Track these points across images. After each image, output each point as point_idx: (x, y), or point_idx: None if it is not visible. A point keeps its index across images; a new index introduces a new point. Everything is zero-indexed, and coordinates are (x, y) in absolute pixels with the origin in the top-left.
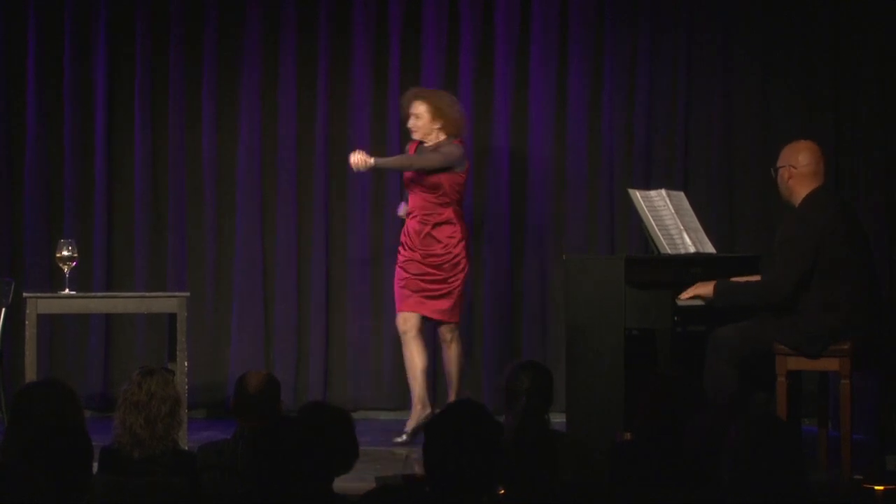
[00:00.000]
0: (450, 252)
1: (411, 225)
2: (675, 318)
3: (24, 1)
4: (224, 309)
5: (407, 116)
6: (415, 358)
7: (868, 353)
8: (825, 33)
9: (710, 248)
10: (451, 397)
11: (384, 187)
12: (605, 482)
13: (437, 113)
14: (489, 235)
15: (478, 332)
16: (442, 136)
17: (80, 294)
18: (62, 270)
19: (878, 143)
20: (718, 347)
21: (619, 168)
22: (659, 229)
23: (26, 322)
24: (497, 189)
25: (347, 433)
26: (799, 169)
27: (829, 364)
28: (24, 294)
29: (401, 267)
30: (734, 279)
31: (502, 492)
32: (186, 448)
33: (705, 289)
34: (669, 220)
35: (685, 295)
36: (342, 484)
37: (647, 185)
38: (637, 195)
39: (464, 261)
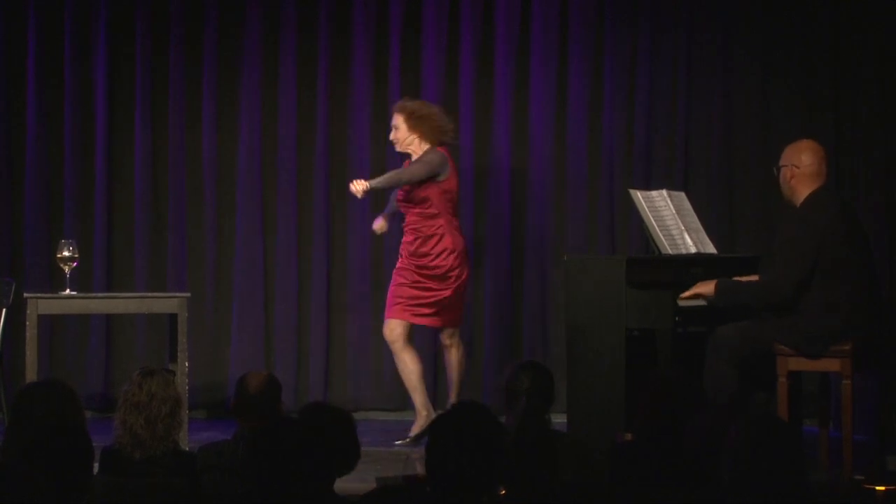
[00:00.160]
0: (440, 266)
1: (405, 237)
2: (676, 319)
3: (24, 1)
4: (224, 309)
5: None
6: (409, 366)
7: (868, 353)
8: (825, 33)
9: (711, 249)
10: (452, 399)
11: None
12: (605, 482)
13: (413, 123)
14: (490, 236)
15: (478, 333)
16: (424, 146)
17: (81, 294)
18: (63, 271)
19: (878, 143)
20: (719, 348)
21: (619, 168)
22: (660, 229)
23: (27, 322)
24: (497, 189)
25: (348, 434)
26: (801, 168)
27: (830, 364)
28: (25, 294)
29: (396, 272)
30: (735, 279)
31: (503, 492)
32: (187, 449)
33: (707, 288)
34: (670, 220)
35: (686, 294)
36: (343, 484)
37: (647, 186)
38: (638, 195)
39: (456, 272)
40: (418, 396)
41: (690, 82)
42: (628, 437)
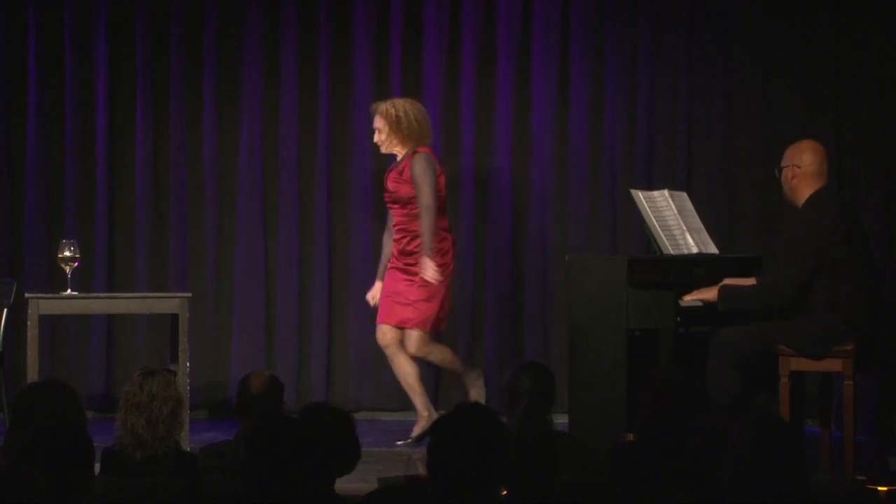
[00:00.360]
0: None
1: (395, 235)
2: (678, 319)
3: (24, 1)
4: (226, 309)
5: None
6: (405, 368)
7: (870, 353)
8: (825, 33)
9: (712, 249)
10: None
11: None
12: (606, 483)
13: (395, 124)
14: (491, 236)
15: (479, 333)
16: (408, 145)
17: (82, 295)
18: (64, 271)
19: (878, 143)
20: (720, 348)
21: (620, 168)
22: (661, 230)
23: (28, 323)
24: (499, 189)
25: (348, 434)
26: (803, 168)
27: (832, 365)
28: (26, 295)
29: (388, 274)
30: (737, 282)
31: (504, 492)
32: (188, 449)
33: (709, 293)
34: (672, 220)
35: (689, 297)
36: (344, 485)
37: (648, 186)
38: (639, 195)
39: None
40: (418, 398)
41: (691, 82)
42: (630, 437)
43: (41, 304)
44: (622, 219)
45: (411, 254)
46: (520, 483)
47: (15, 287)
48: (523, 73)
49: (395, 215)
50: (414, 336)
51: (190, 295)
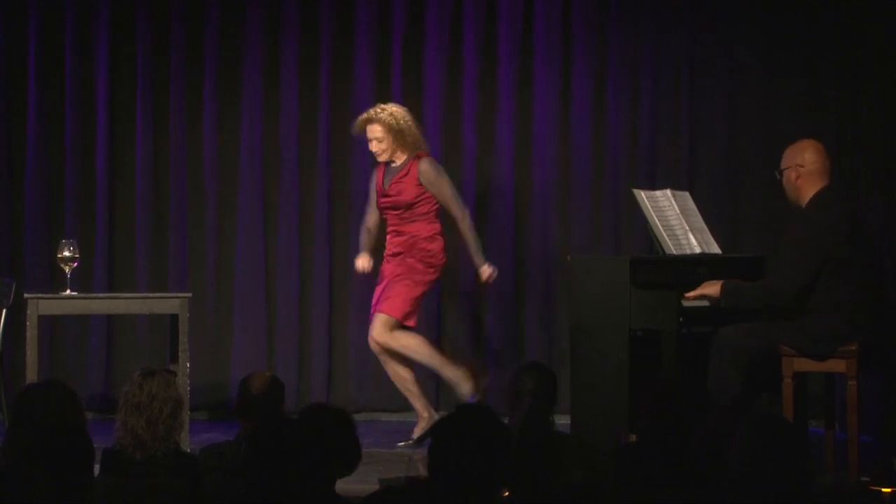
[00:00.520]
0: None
1: (388, 238)
2: (681, 319)
3: (24, 1)
4: (226, 310)
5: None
6: (399, 373)
7: (873, 354)
8: (828, 33)
9: (715, 249)
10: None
11: None
12: (609, 483)
13: (395, 131)
14: (493, 236)
15: (482, 333)
16: (409, 151)
17: (82, 295)
18: (63, 271)
19: (878, 143)
20: (723, 349)
21: (623, 168)
22: (664, 230)
23: (27, 323)
24: (501, 189)
25: (349, 435)
26: (806, 167)
27: (836, 365)
28: (25, 295)
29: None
30: (742, 281)
31: (506, 493)
32: (188, 450)
33: (712, 288)
34: (675, 220)
35: (692, 294)
36: (345, 486)
37: (651, 186)
38: (642, 195)
39: (429, 270)
40: (417, 400)
41: (694, 82)
42: (632, 438)
43: (41, 305)
44: (625, 219)
45: (401, 255)
46: (522, 484)
47: (14, 287)
48: (525, 74)
49: (388, 218)
50: (381, 319)
51: (190, 295)
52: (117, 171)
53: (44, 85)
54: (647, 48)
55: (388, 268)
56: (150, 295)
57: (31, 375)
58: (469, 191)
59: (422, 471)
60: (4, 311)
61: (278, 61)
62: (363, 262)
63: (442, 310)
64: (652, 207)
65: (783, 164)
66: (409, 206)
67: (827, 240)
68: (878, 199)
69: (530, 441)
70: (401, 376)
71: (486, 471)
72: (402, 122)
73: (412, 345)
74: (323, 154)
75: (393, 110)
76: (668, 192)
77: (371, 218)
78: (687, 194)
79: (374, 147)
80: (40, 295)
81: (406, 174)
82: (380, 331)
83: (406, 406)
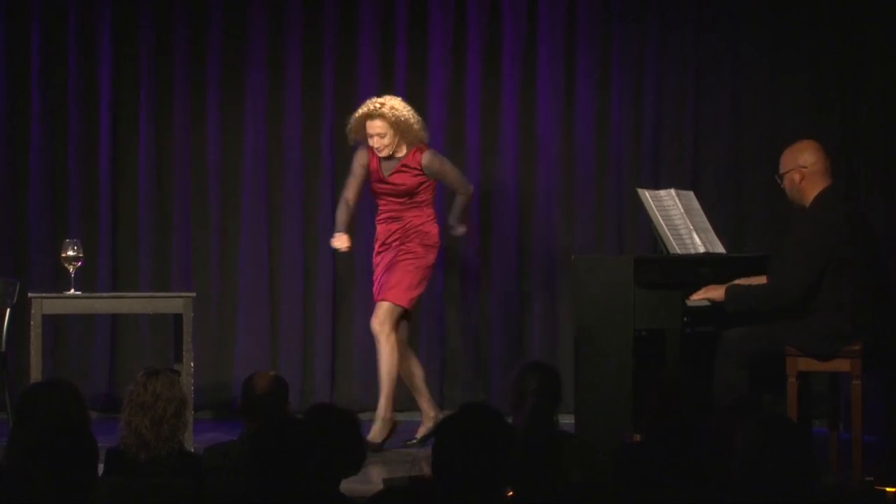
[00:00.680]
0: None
1: (386, 226)
2: (685, 319)
3: (28, 1)
4: (230, 310)
5: (356, 141)
6: (410, 369)
7: (878, 353)
8: (832, 32)
9: (719, 248)
10: (382, 406)
11: None
12: (612, 483)
13: (404, 127)
14: (497, 235)
15: (485, 333)
16: (411, 143)
17: (86, 294)
18: (67, 270)
19: (878, 143)
20: (727, 348)
21: (627, 167)
22: (668, 229)
23: (31, 322)
24: (504, 188)
25: (354, 435)
26: (810, 168)
27: (840, 365)
28: (29, 294)
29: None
30: (745, 282)
31: (510, 493)
32: (192, 450)
33: (716, 292)
34: (679, 219)
35: (696, 296)
36: (350, 485)
37: (655, 185)
38: (646, 194)
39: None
40: (423, 399)
41: (698, 81)
42: (636, 437)
43: (44, 304)
44: (629, 218)
45: (398, 241)
46: (525, 483)
47: (18, 286)
48: (529, 73)
49: (384, 204)
50: (385, 307)
51: (194, 295)
52: (121, 171)
53: (47, 85)
54: (650, 47)
55: (386, 256)
56: (154, 294)
57: (35, 375)
58: (473, 189)
59: (426, 470)
60: (8, 310)
61: (282, 61)
62: (343, 242)
63: (445, 309)
64: (656, 207)
65: (784, 168)
66: (411, 195)
67: (831, 239)
68: (878, 199)
69: (534, 440)
70: (410, 372)
71: (489, 470)
72: (403, 115)
73: (389, 356)
74: (327, 154)
75: (393, 104)
76: (672, 191)
77: (352, 193)
78: (691, 193)
79: (375, 143)
80: (44, 294)
81: (408, 165)
82: (382, 318)
83: (410, 406)
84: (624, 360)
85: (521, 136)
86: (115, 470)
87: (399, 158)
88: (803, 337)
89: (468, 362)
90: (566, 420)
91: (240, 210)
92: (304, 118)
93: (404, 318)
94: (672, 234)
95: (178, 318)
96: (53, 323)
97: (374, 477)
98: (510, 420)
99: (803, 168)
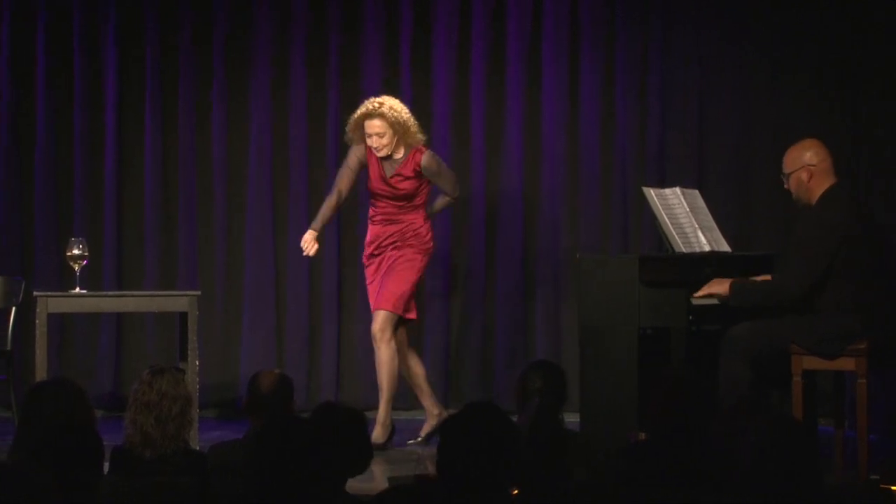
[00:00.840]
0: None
1: (382, 227)
2: (690, 317)
3: (33, 2)
4: (235, 308)
5: (353, 141)
6: (413, 368)
7: (883, 352)
8: (836, 30)
9: (725, 247)
10: (382, 411)
11: None
12: (617, 482)
13: (398, 124)
14: (502, 234)
15: (490, 332)
16: (409, 144)
17: (91, 293)
18: (72, 269)
19: (878, 143)
20: (732, 346)
21: (632, 166)
22: (673, 228)
23: (36, 321)
24: (509, 187)
25: (361, 433)
26: (817, 165)
27: (846, 364)
28: (35, 293)
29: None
30: (750, 278)
31: (515, 492)
32: (197, 448)
33: (721, 287)
34: (684, 218)
35: (700, 293)
36: (355, 484)
37: (660, 184)
38: (651, 193)
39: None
40: (427, 398)
41: (703, 80)
42: (641, 436)
43: (50, 303)
44: (634, 217)
45: (394, 244)
46: (530, 482)
47: (24, 285)
48: (533, 71)
49: (381, 206)
50: (382, 315)
51: (199, 293)
52: (126, 171)
53: (52, 85)
54: (655, 45)
55: (380, 260)
56: (159, 293)
57: (41, 373)
58: (477, 189)
59: (431, 469)
60: (14, 309)
61: (286, 61)
62: (313, 248)
63: (451, 309)
64: (661, 205)
65: (788, 168)
66: (410, 198)
67: (836, 238)
68: (878, 199)
69: (539, 439)
70: (413, 372)
71: (494, 469)
72: (402, 115)
73: (390, 361)
74: (331, 153)
75: (392, 104)
76: (678, 189)
77: (345, 184)
78: (696, 192)
79: (374, 142)
80: (50, 293)
81: (408, 167)
82: (382, 326)
83: (414, 404)
84: (629, 359)
85: (525, 136)
86: (120, 468)
87: (398, 160)
88: (809, 335)
89: (473, 361)
90: (571, 419)
91: (245, 209)
92: (308, 118)
93: (403, 321)
94: (677, 233)
95: (183, 316)
96: (59, 321)
97: (379, 476)
98: (515, 419)
99: (811, 166)
